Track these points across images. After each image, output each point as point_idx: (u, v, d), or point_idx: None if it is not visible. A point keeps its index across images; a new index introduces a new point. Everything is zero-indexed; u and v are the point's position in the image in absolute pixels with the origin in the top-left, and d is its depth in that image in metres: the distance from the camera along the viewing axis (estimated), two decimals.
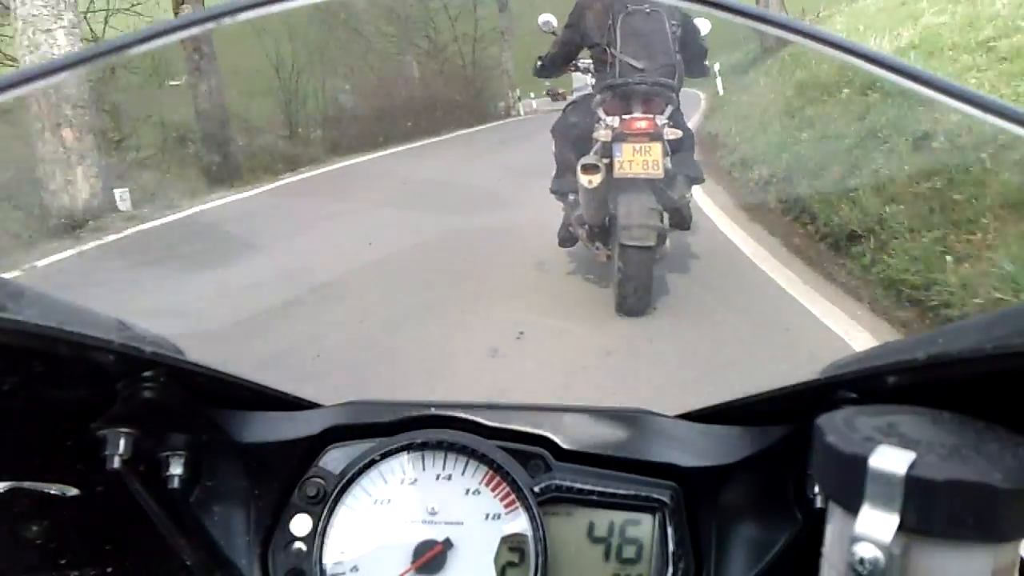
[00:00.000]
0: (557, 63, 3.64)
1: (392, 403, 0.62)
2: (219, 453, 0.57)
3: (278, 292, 4.32)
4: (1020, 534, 0.29)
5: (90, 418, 0.50)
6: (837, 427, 0.33)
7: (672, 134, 3.09)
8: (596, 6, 3.33)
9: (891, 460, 0.29)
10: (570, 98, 3.68)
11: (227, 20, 0.37)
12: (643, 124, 3.01)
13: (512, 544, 0.57)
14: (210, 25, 0.38)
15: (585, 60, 3.54)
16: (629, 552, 0.59)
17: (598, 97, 3.21)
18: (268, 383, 0.61)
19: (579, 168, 3.07)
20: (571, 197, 3.48)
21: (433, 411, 0.61)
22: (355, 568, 0.56)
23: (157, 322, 0.55)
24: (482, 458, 0.58)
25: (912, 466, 0.29)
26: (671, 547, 0.58)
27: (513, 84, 23.86)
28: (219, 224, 7.04)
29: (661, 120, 3.07)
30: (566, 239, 3.72)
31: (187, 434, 0.55)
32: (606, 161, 3.06)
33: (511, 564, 0.57)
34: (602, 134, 3.09)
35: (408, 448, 0.58)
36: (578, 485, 0.58)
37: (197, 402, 0.55)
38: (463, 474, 0.58)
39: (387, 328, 3.67)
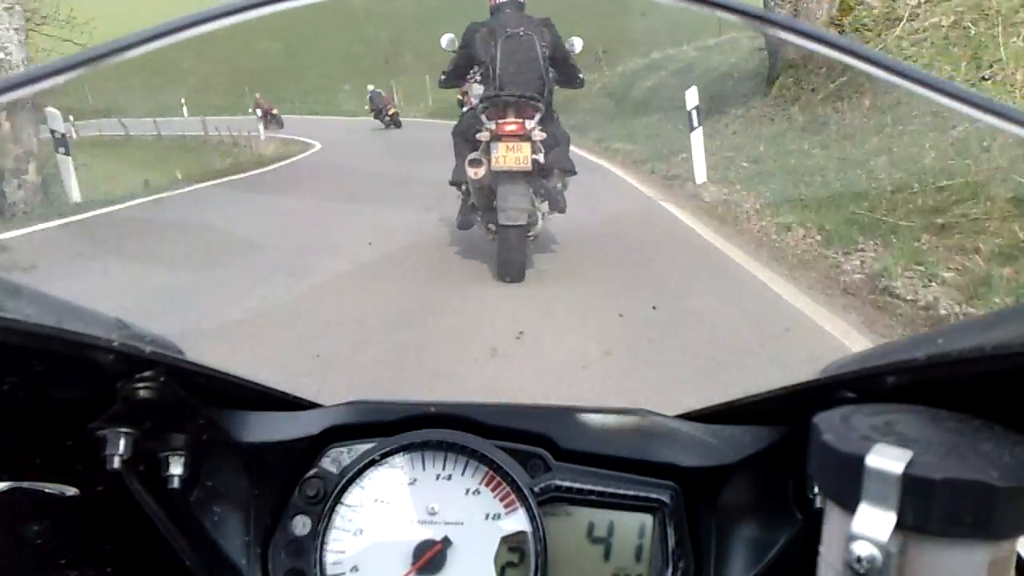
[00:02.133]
0: (455, 76, 4.46)
1: (392, 403, 0.62)
2: (219, 453, 0.57)
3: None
4: (1017, 532, 0.29)
5: (90, 418, 0.50)
6: (834, 426, 0.32)
7: (540, 136, 3.89)
8: (482, 30, 4.13)
9: (888, 458, 0.29)
10: (467, 105, 4.46)
11: (227, 20, 0.37)
12: (513, 127, 3.83)
13: (512, 544, 0.57)
14: (210, 25, 0.38)
15: (477, 74, 4.28)
16: (629, 552, 0.59)
17: (481, 105, 4.00)
18: (268, 383, 0.61)
19: (466, 163, 3.92)
20: (464, 187, 4.34)
21: (433, 411, 0.61)
22: (355, 568, 0.56)
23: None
24: (482, 458, 0.58)
25: (909, 464, 0.29)
26: (671, 547, 0.58)
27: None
28: None
29: (530, 124, 3.88)
30: (464, 223, 4.50)
31: (187, 434, 0.55)
32: (487, 157, 3.87)
33: (511, 564, 0.57)
34: (483, 135, 3.92)
35: (408, 448, 0.58)
36: (578, 485, 0.59)
37: (197, 402, 0.55)
38: (463, 474, 0.58)
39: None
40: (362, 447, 0.59)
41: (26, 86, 0.36)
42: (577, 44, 4.33)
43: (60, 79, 0.36)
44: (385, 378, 3.02)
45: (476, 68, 4.24)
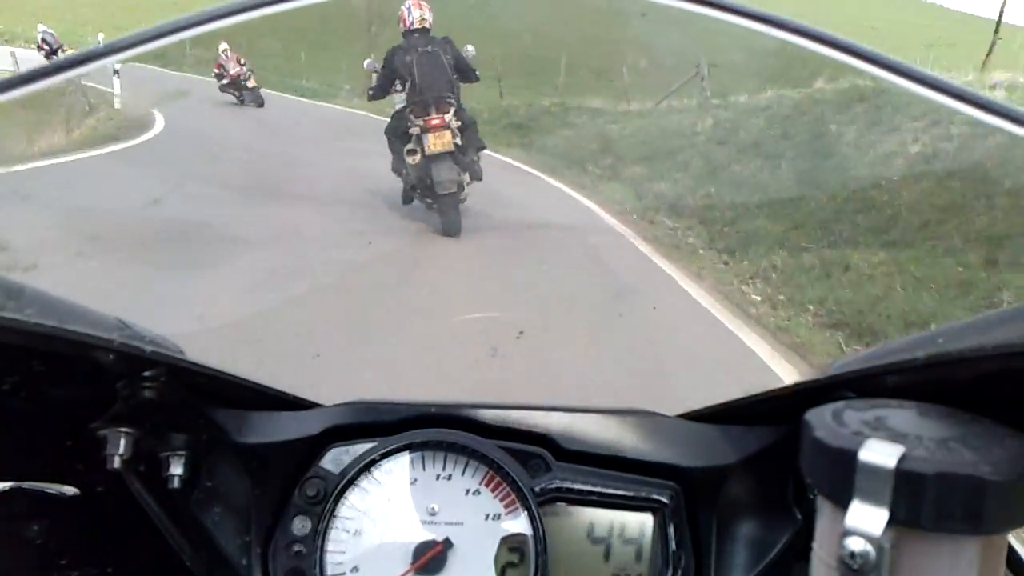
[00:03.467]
0: (382, 90, 5.68)
1: (392, 403, 0.62)
2: (219, 453, 0.57)
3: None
4: (1008, 525, 0.29)
5: (90, 418, 0.50)
6: (826, 422, 0.32)
7: (456, 123, 5.25)
8: (399, 52, 5.43)
9: (880, 454, 0.29)
10: (394, 109, 5.70)
11: (227, 20, 0.37)
12: (437, 121, 5.18)
13: (512, 544, 0.57)
14: (210, 25, 0.38)
15: (399, 86, 5.55)
16: (629, 552, 0.59)
17: (408, 108, 5.32)
18: (268, 383, 0.61)
19: (405, 153, 5.27)
20: (404, 172, 5.55)
21: (433, 411, 0.61)
22: (355, 568, 0.56)
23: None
24: (482, 458, 0.58)
25: (901, 459, 0.29)
26: (671, 547, 0.58)
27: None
28: None
29: (448, 117, 5.23)
30: (407, 199, 5.81)
31: (187, 434, 0.55)
32: (420, 146, 5.21)
33: (511, 564, 0.57)
34: (414, 130, 5.26)
35: (408, 448, 0.58)
36: (578, 485, 0.58)
37: (197, 402, 0.55)
38: (463, 474, 0.58)
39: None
40: (362, 447, 0.59)
41: (26, 85, 0.36)
42: (471, 50, 5.59)
43: (60, 78, 0.36)
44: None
45: (398, 81, 5.50)
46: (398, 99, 5.55)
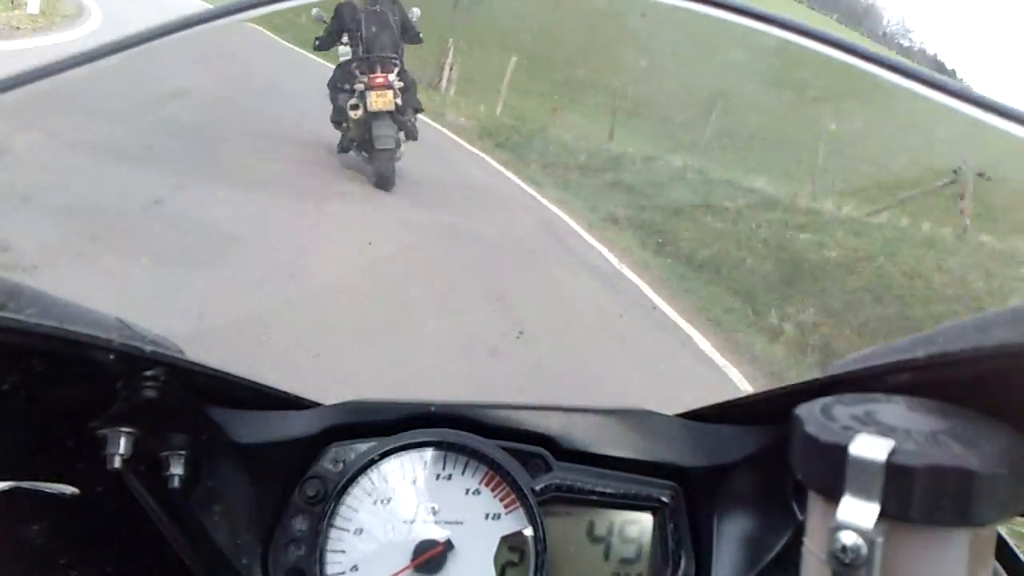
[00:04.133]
0: (329, 42, 5.80)
1: (392, 403, 0.62)
2: (219, 453, 0.57)
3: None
4: (998, 517, 0.29)
5: (90, 418, 0.50)
6: (815, 417, 0.33)
7: (399, 84, 5.51)
8: (349, 7, 5.61)
9: (871, 448, 0.29)
10: (338, 62, 5.84)
11: (228, 20, 0.37)
12: (380, 80, 5.44)
13: (512, 544, 0.57)
14: (210, 25, 0.38)
15: (345, 40, 5.73)
16: (629, 552, 0.59)
17: (355, 64, 5.53)
18: (268, 383, 0.61)
19: (348, 107, 5.51)
20: (344, 124, 5.80)
21: (433, 411, 0.61)
22: (355, 568, 0.56)
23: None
24: (482, 458, 0.58)
25: (892, 453, 0.29)
26: (671, 547, 0.58)
27: None
28: None
29: (391, 77, 5.49)
30: (343, 149, 6.04)
31: (187, 434, 0.55)
32: (363, 101, 5.44)
33: (511, 564, 0.57)
34: (358, 86, 5.49)
35: (408, 448, 0.58)
36: (578, 484, 0.58)
37: (197, 402, 0.55)
38: (463, 474, 0.58)
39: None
40: (362, 447, 0.59)
41: (26, 84, 0.36)
42: (416, 12, 5.86)
43: (60, 78, 0.36)
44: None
45: (346, 35, 5.71)
46: (343, 52, 5.77)
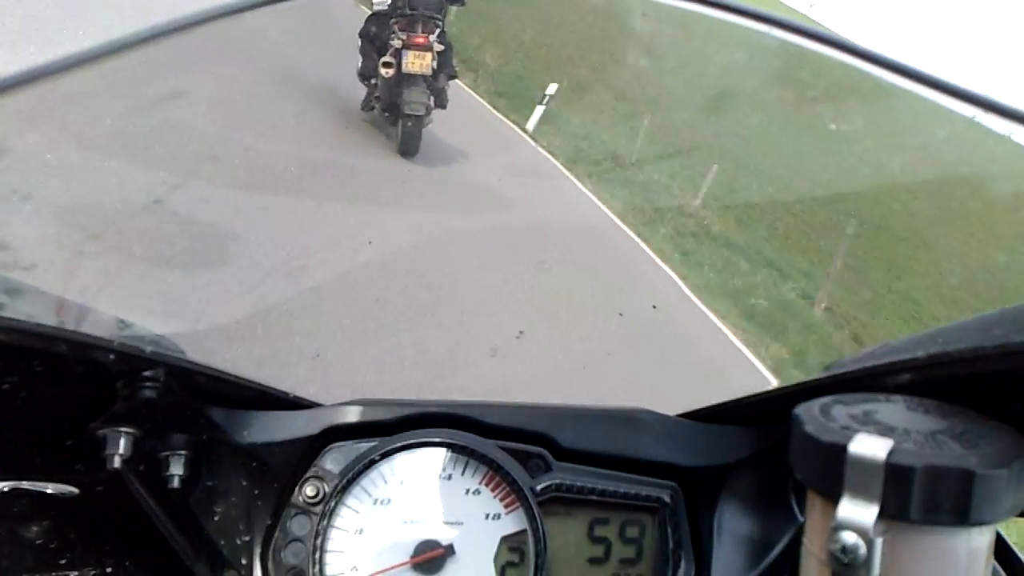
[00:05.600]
0: None
1: (392, 402, 0.62)
2: (219, 453, 0.57)
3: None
4: (996, 517, 0.29)
5: (90, 418, 0.50)
6: (815, 417, 0.33)
7: (438, 47, 5.06)
8: None
9: (870, 447, 0.29)
10: (372, 10, 5.38)
11: (226, 20, 0.37)
12: (421, 40, 4.97)
13: (512, 544, 0.57)
14: (210, 25, 0.38)
15: None
16: (629, 552, 0.59)
17: (393, 19, 5.05)
18: (268, 383, 0.61)
19: (380, 64, 5.03)
20: (372, 81, 5.37)
21: (433, 411, 0.61)
22: (355, 568, 0.56)
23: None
24: (482, 458, 0.58)
25: (891, 453, 0.29)
26: (671, 547, 0.58)
27: None
28: None
29: (432, 38, 5.03)
30: (367, 107, 5.71)
31: (187, 434, 0.55)
32: (397, 60, 5.00)
33: (511, 564, 0.57)
34: (395, 43, 5.01)
35: (408, 448, 0.58)
36: (578, 484, 0.58)
37: (197, 402, 0.55)
38: (463, 474, 0.58)
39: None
40: (362, 447, 0.59)
41: (26, 84, 0.36)
42: None
43: (59, 78, 0.36)
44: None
45: None
46: (379, 1, 5.28)
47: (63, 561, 0.55)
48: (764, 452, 0.55)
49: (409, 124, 5.20)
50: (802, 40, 0.39)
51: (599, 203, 6.96)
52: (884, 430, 0.31)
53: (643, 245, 6.14)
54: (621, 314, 3.69)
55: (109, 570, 0.57)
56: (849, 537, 0.29)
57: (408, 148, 5.34)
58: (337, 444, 0.60)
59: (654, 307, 3.75)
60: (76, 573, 0.55)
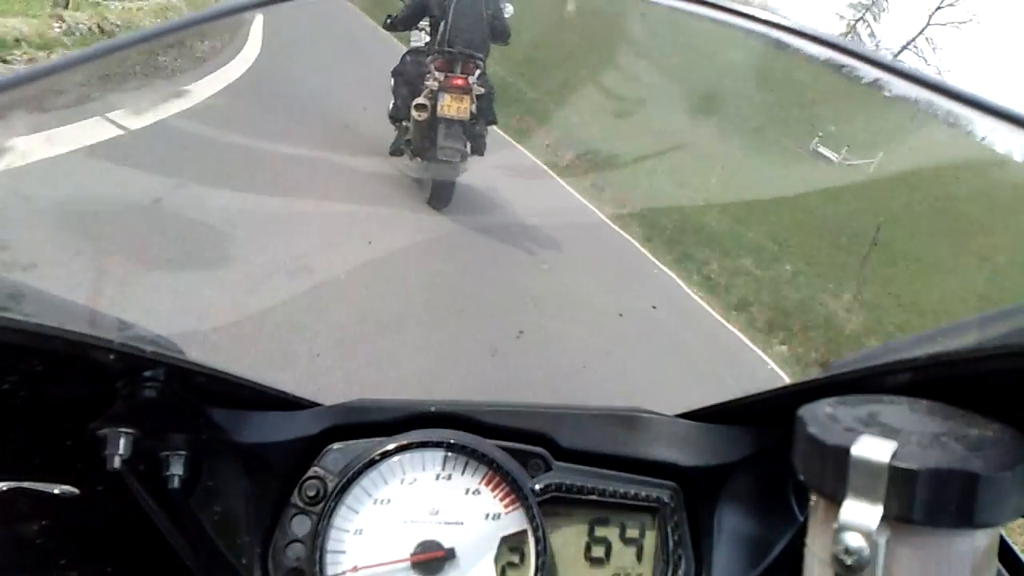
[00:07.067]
0: (404, 23, 4.98)
1: (392, 402, 0.62)
2: (219, 453, 0.57)
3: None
4: (1000, 519, 0.29)
5: (90, 418, 0.50)
6: (818, 418, 0.33)
7: (478, 90, 4.56)
8: None
9: (874, 449, 0.29)
10: (410, 47, 5.05)
11: (227, 20, 0.37)
12: (460, 82, 4.47)
13: (512, 544, 0.57)
14: (209, 25, 0.38)
15: (424, 24, 4.87)
16: (629, 552, 0.59)
17: (431, 56, 4.55)
18: (268, 383, 0.61)
19: (413, 107, 4.53)
20: (403, 123, 4.91)
21: (433, 411, 0.61)
22: (355, 568, 0.56)
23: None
24: (482, 458, 0.58)
25: (894, 455, 0.29)
26: (671, 547, 0.58)
27: None
28: None
29: (472, 80, 4.53)
30: (395, 152, 5.21)
31: (187, 434, 0.55)
32: (432, 103, 4.49)
33: (511, 564, 0.57)
34: (431, 84, 4.48)
35: (408, 448, 0.58)
36: (578, 484, 0.58)
37: (197, 402, 0.55)
38: (463, 474, 0.58)
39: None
40: (362, 447, 0.59)
41: (26, 84, 0.36)
42: (509, 8, 5.00)
43: (60, 77, 0.36)
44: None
45: (426, 19, 4.79)
46: (416, 37, 4.90)
47: (63, 561, 0.55)
48: (764, 452, 0.55)
49: (442, 170, 4.74)
50: (802, 41, 0.39)
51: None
52: (888, 432, 0.31)
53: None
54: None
55: (109, 570, 0.57)
56: (852, 539, 0.29)
57: (439, 198, 4.84)
58: (337, 444, 0.60)
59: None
60: (76, 573, 0.55)
